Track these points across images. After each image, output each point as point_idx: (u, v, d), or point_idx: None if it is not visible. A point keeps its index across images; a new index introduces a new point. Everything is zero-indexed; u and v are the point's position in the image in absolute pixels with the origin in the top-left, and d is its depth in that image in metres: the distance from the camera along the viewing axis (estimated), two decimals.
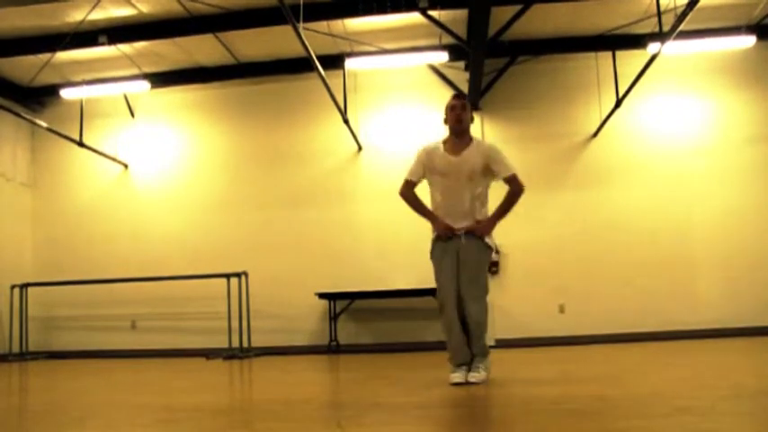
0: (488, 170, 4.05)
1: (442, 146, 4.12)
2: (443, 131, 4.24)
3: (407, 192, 4.16)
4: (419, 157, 4.14)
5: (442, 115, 4.16)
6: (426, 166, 4.10)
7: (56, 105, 9.43)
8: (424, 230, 4.30)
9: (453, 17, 7.53)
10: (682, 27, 5.98)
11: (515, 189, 4.11)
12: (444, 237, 4.03)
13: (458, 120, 4.05)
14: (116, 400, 3.90)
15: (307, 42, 6.18)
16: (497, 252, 8.33)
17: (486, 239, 4.08)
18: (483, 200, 4.12)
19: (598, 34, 8.19)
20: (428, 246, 4.17)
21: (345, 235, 8.68)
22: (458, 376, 3.90)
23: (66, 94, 8.64)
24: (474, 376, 3.89)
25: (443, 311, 4.00)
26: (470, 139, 4.12)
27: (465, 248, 4.00)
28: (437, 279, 4.06)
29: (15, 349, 8.42)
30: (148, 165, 9.38)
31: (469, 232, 4.01)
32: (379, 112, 8.93)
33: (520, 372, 4.97)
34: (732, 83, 8.49)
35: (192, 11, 7.37)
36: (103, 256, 9.06)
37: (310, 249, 8.68)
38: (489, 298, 4.11)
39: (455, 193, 4.02)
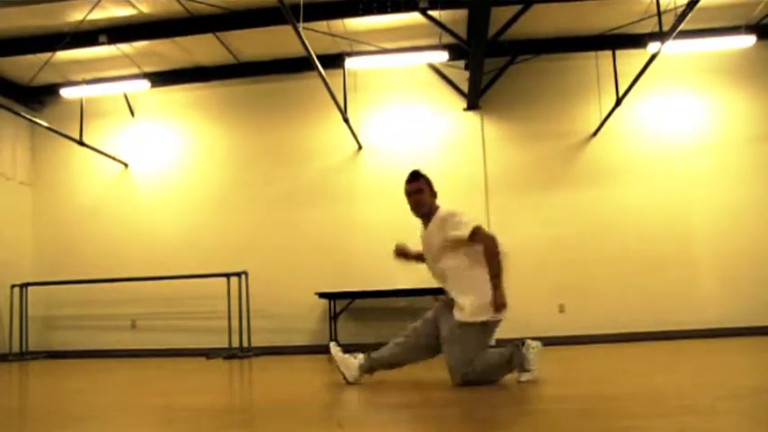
0: (452, 241, 3.78)
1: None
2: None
3: None
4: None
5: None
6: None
7: (56, 105, 9.43)
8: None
9: (453, 17, 7.53)
10: (682, 27, 5.98)
11: (485, 245, 3.77)
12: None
13: (415, 205, 3.93)
14: (116, 400, 3.90)
15: (307, 42, 6.18)
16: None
17: (465, 318, 3.76)
18: (460, 273, 3.82)
19: (598, 34, 8.19)
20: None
21: (345, 234, 8.67)
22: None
23: (66, 93, 8.64)
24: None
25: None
26: (434, 211, 3.93)
27: (446, 327, 3.85)
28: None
29: (15, 349, 8.42)
30: (148, 164, 9.38)
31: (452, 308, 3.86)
32: (380, 111, 8.92)
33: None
34: (732, 82, 8.49)
35: (192, 11, 7.37)
36: (103, 255, 9.06)
37: (310, 249, 8.68)
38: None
39: (434, 271, 3.98)
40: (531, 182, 8.56)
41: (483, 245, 3.75)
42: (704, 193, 8.34)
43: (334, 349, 4.05)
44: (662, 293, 8.07)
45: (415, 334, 4.02)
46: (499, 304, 3.76)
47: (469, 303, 3.75)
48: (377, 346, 4.19)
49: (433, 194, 3.97)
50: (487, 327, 3.83)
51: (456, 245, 3.78)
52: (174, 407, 3.48)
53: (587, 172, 8.54)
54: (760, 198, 8.24)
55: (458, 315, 3.78)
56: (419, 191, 3.90)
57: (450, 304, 3.91)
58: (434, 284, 4.14)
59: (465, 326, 3.76)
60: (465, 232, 3.73)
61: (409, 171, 4.04)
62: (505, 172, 8.58)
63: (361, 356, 4.05)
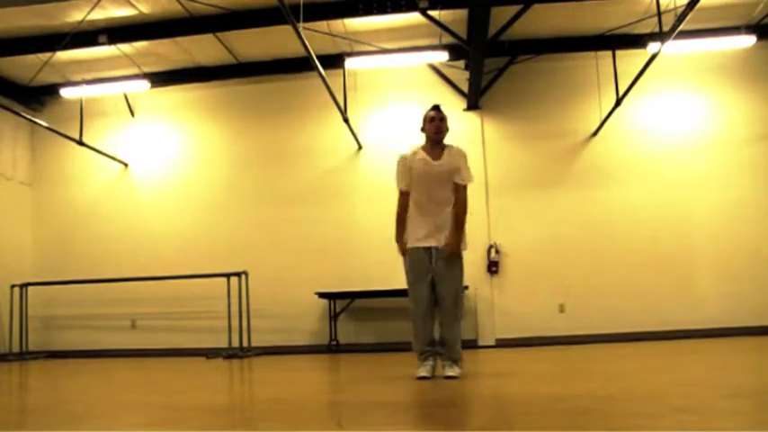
0: (457, 171, 4.27)
1: (420, 151, 4.37)
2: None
3: (405, 203, 4.35)
4: (402, 165, 4.35)
5: (420, 124, 4.43)
6: (404, 173, 4.35)
7: (56, 104, 9.44)
8: None
9: (453, 17, 7.53)
10: (682, 27, 5.99)
11: (462, 197, 4.28)
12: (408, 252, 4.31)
13: (437, 130, 4.34)
14: (116, 400, 3.90)
15: (307, 42, 6.18)
16: (497, 252, 8.34)
17: (462, 247, 4.29)
18: (451, 207, 4.29)
19: (598, 34, 8.19)
20: None
21: (345, 234, 8.68)
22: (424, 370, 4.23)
23: (66, 93, 8.64)
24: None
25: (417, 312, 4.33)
26: (445, 146, 4.38)
27: (440, 262, 4.23)
28: (411, 286, 4.40)
29: (15, 349, 8.42)
30: (148, 164, 9.38)
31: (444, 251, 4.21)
32: (379, 111, 8.92)
33: (520, 371, 4.97)
34: (732, 82, 8.49)
35: (191, 11, 7.37)
36: (103, 255, 9.06)
37: (310, 249, 8.68)
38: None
39: (434, 197, 4.24)
40: (531, 182, 8.56)
41: (464, 196, 4.28)
42: (704, 192, 8.34)
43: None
44: (662, 293, 8.07)
45: (432, 317, 4.30)
46: (457, 243, 4.24)
47: (460, 235, 4.26)
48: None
49: (447, 129, 4.41)
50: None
51: (453, 183, 4.26)
52: (174, 406, 3.48)
53: (587, 172, 8.53)
54: (760, 198, 8.24)
55: (456, 244, 4.22)
56: (442, 119, 4.36)
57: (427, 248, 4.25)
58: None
59: (459, 255, 4.27)
60: (468, 180, 4.29)
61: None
62: (505, 172, 8.58)
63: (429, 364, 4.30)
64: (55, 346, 9.02)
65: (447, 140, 4.39)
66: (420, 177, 4.27)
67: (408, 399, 3.46)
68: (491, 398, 3.46)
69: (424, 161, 4.29)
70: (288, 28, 6.03)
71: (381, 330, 8.41)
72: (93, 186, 9.47)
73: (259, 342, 8.21)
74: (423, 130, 4.42)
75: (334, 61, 8.04)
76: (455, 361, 4.27)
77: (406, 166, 4.32)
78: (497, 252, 8.35)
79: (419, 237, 4.25)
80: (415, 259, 4.27)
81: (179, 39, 7.99)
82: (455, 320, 4.26)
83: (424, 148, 4.39)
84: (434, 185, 4.25)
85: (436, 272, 4.21)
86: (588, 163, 8.56)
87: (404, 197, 4.34)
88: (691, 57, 8.37)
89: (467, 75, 8.13)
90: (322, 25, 7.64)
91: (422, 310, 4.26)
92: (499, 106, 8.67)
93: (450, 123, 4.43)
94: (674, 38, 6.29)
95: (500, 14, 7.05)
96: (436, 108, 4.42)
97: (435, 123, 4.33)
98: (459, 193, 4.25)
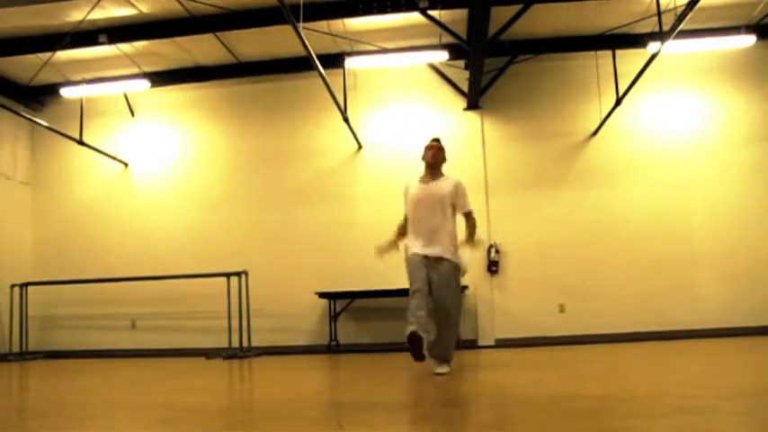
0: (453, 200, 4.71)
1: (419, 177, 4.88)
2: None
3: (406, 225, 4.92)
4: (405, 192, 4.89)
5: (421, 152, 4.90)
6: (405, 198, 4.85)
7: (56, 104, 9.43)
8: None
9: (453, 16, 7.53)
10: (682, 27, 5.98)
11: (472, 221, 4.81)
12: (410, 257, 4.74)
13: (433, 157, 4.84)
14: (116, 400, 3.90)
15: (307, 42, 6.18)
16: (497, 252, 8.34)
17: (456, 260, 4.69)
18: (452, 228, 4.72)
19: (598, 34, 8.19)
20: None
21: (345, 234, 8.67)
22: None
23: (66, 92, 8.64)
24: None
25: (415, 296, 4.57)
26: (442, 174, 4.87)
27: (436, 273, 4.57)
28: (410, 274, 4.70)
29: (15, 348, 8.42)
30: (148, 163, 9.38)
31: (439, 259, 4.60)
32: (380, 110, 8.92)
33: (520, 371, 4.97)
34: (732, 82, 8.48)
35: (191, 11, 7.37)
36: (103, 254, 9.06)
37: (310, 248, 8.67)
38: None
39: (426, 217, 4.66)
40: (531, 182, 8.56)
41: (473, 221, 4.84)
42: (704, 192, 8.33)
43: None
44: (662, 293, 8.06)
45: (426, 299, 4.56)
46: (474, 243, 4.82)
47: (455, 250, 4.70)
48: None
49: (444, 159, 4.92)
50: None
51: (452, 208, 4.73)
52: (174, 407, 3.48)
53: (587, 172, 8.53)
54: (760, 198, 8.23)
55: (451, 258, 4.65)
56: (439, 149, 4.87)
57: (422, 258, 4.63)
58: None
59: (457, 267, 4.70)
60: (468, 207, 4.81)
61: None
62: (505, 172, 8.58)
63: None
64: (55, 346, 9.02)
65: (449, 143, 4.90)
66: (412, 200, 4.73)
67: (408, 399, 3.46)
68: (491, 398, 3.46)
69: (419, 186, 4.78)
70: (288, 28, 6.02)
71: (381, 330, 8.41)
72: (93, 186, 9.47)
73: (259, 342, 8.21)
74: (423, 158, 4.85)
75: (334, 61, 8.03)
76: (446, 360, 4.64)
77: (406, 193, 4.84)
78: (497, 252, 8.34)
79: (416, 245, 4.68)
80: (413, 261, 4.66)
81: (179, 38, 7.98)
82: (450, 327, 4.62)
83: (423, 175, 4.85)
84: (425, 208, 4.68)
85: (434, 282, 4.54)
86: (588, 163, 8.55)
87: (406, 222, 4.88)
88: (691, 57, 8.37)
89: (467, 74, 8.12)
90: (322, 25, 7.64)
91: (418, 289, 4.50)
92: (499, 106, 8.67)
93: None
94: (674, 38, 6.28)
95: (500, 14, 7.04)
96: (436, 140, 4.94)
97: (433, 151, 4.82)
98: (469, 219, 4.78)
